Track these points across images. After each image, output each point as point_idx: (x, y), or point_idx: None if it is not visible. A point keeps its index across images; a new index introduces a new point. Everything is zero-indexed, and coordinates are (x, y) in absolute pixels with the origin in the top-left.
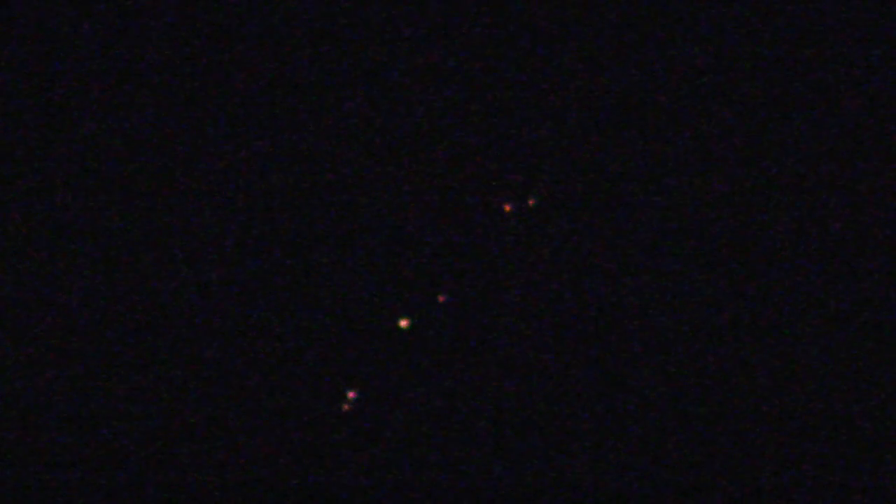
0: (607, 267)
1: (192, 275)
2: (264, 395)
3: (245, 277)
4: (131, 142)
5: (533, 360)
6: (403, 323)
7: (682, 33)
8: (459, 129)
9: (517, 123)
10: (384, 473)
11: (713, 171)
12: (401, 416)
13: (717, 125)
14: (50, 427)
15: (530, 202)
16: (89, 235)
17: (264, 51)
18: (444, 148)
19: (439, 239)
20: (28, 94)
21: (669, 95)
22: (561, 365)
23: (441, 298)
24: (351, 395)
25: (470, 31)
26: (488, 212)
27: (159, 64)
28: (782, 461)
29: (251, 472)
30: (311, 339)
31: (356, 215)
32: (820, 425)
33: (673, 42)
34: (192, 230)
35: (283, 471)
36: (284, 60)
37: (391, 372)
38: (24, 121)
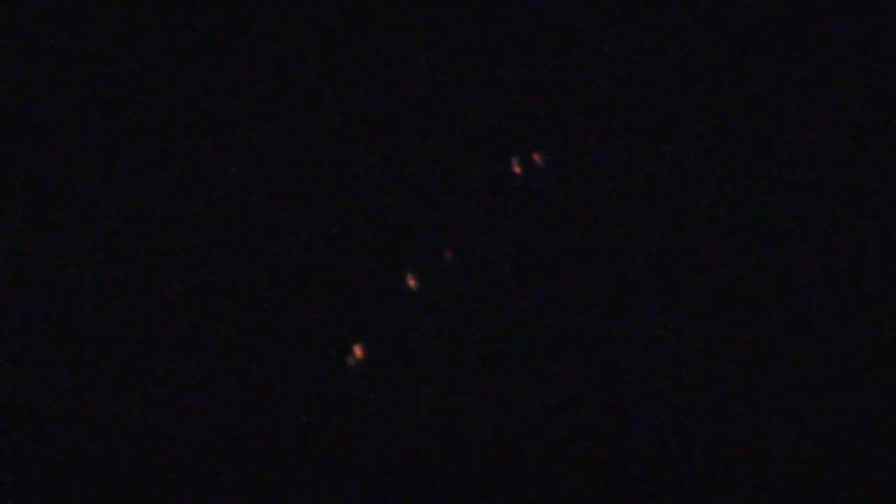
0: (613, 224)
1: (199, 235)
2: (272, 352)
3: (253, 236)
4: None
5: (539, 316)
6: (411, 280)
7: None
8: (468, 88)
9: (527, 81)
10: (390, 427)
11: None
12: (407, 372)
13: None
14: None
15: (536, 158)
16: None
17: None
18: (452, 106)
19: (446, 196)
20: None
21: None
22: (567, 323)
23: (447, 254)
24: (357, 350)
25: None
26: (496, 169)
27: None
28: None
29: (258, 428)
30: (317, 296)
31: (364, 172)
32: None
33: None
34: (200, 186)
35: (289, 426)
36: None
37: (398, 328)
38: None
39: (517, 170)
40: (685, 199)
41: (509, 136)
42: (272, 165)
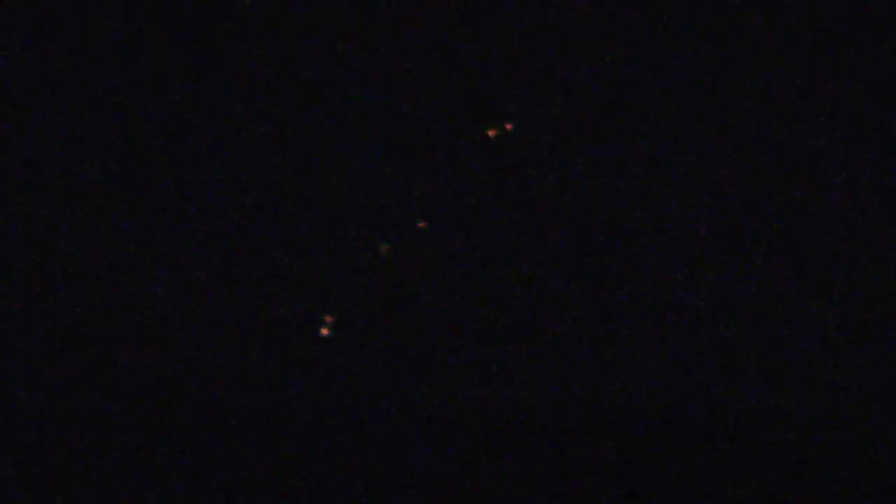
0: (587, 188)
1: (177, 201)
2: (243, 319)
3: (228, 204)
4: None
5: (513, 283)
6: (383, 248)
7: None
8: (442, 57)
9: (497, 50)
10: (361, 395)
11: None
12: (378, 341)
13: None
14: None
15: (508, 127)
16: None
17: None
18: (425, 75)
19: (420, 165)
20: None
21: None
22: (543, 289)
23: (421, 224)
24: (329, 319)
25: None
26: (468, 139)
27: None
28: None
29: (231, 396)
30: (290, 264)
31: (338, 142)
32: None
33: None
34: (179, 155)
35: (262, 395)
36: None
37: (370, 296)
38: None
39: (491, 133)
40: (658, 165)
41: (482, 105)
42: (241, 136)
